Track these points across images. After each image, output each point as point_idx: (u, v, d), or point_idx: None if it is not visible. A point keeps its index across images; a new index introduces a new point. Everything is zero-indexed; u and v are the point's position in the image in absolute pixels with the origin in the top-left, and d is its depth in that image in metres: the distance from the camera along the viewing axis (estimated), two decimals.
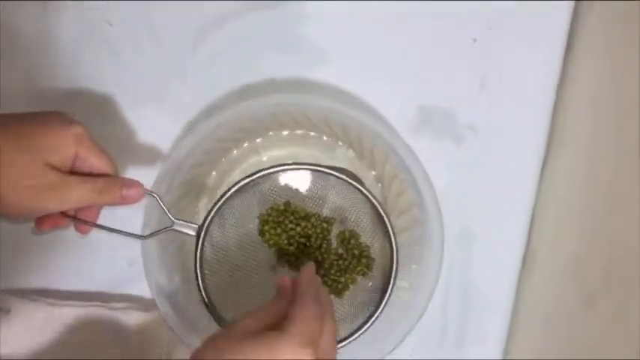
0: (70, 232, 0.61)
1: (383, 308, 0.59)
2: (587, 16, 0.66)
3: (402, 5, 0.65)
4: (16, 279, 0.65)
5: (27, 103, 0.55)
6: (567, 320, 0.62)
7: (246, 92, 0.65)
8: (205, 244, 0.59)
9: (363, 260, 0.63)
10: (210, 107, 0.65)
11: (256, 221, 0.64)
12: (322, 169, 0.60)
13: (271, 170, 0.59)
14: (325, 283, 0.63)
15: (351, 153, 0.65)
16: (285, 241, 0.63)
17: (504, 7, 0.65)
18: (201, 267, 0.59)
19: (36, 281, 0.65)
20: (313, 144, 0.65)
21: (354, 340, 0.59)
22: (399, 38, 0.66)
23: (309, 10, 0.65)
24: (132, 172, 0.60)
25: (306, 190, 0.63)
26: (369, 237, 0.64)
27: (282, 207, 0.63)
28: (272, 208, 0.63)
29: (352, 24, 0.66)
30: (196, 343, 0.61)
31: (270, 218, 0.63)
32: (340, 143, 0.65)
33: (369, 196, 0.60)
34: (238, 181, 0.59)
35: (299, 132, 0.65)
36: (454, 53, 0.66)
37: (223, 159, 0.65)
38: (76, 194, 0.52)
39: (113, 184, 0.55)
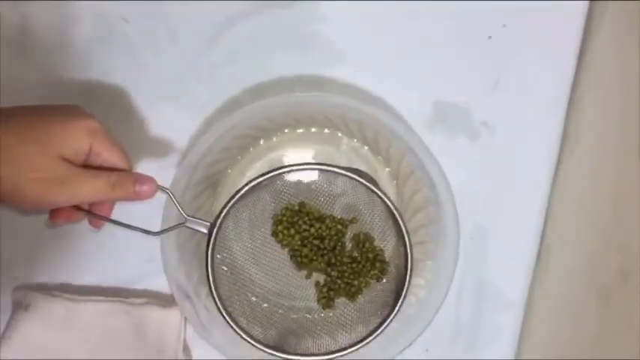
0: (89, 228, 0.61)
1: (397, 312, 0.59)
2: (601, 15, 0.65)
3: (416, 3, 0.65)
4: (35, 274, 0.66)
5: (42, 100, 0.55)
6: (581, 317, 0.61)
7: (262, 90, 0.65)
8: (218, 242, 0.58)
9: (377, 264, 0.62)
10: (227, 105, 0.65)
11: (270, 221, 0.63)
12: (338, 170, 0.58)
13: (286, 169, 0.58)
14: (338, 285, 0.63)
15: (366, 150, 0.65)
16: (299, 242, 0.62)
17: (519, 4, 0.65)
18: (212, 265, 0.58)
19: (55, 277, 0.66)
20: (329, 141, 0.65)
21: (367, 343, 0.59)
22: (414, 35, 0.66)
23: (324, 9, 0.65)
24: (148, 170, 0.59)
25: (321, 191, 0.63)
26: (383, 239, 0.63)
27: (297, 207, 0.62)
28: (286, 209, 0.63)
29: (366, 22, 0.66)
30: (215, 338, 0.62)
31: (284, 218, 0.62)
32: (356, 140, 0.65)
33: (385, 199, 0.58)
34: (252, 180, 0.58)
35: (315, 129, 0.65)
36: (469, 50, 0.66)
37: (240, 157, 0.65)
38: (89, 188, 0.52)
39: (127, 179, 0.54)
